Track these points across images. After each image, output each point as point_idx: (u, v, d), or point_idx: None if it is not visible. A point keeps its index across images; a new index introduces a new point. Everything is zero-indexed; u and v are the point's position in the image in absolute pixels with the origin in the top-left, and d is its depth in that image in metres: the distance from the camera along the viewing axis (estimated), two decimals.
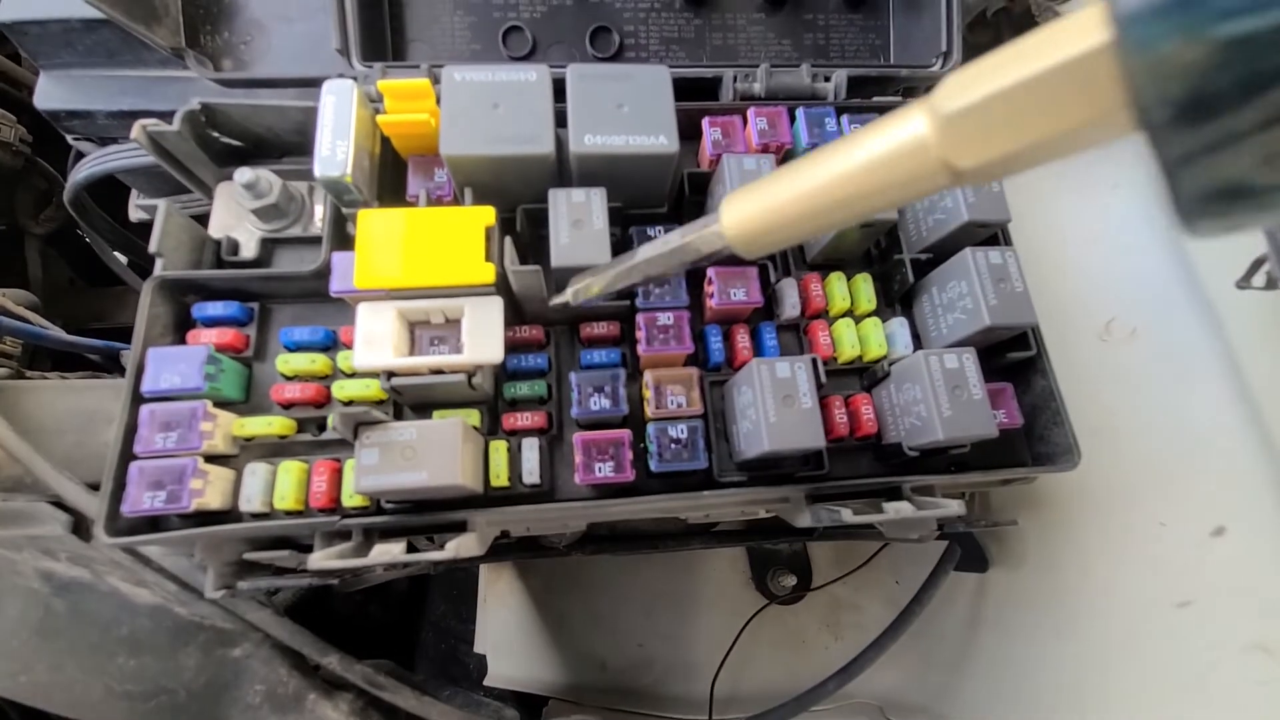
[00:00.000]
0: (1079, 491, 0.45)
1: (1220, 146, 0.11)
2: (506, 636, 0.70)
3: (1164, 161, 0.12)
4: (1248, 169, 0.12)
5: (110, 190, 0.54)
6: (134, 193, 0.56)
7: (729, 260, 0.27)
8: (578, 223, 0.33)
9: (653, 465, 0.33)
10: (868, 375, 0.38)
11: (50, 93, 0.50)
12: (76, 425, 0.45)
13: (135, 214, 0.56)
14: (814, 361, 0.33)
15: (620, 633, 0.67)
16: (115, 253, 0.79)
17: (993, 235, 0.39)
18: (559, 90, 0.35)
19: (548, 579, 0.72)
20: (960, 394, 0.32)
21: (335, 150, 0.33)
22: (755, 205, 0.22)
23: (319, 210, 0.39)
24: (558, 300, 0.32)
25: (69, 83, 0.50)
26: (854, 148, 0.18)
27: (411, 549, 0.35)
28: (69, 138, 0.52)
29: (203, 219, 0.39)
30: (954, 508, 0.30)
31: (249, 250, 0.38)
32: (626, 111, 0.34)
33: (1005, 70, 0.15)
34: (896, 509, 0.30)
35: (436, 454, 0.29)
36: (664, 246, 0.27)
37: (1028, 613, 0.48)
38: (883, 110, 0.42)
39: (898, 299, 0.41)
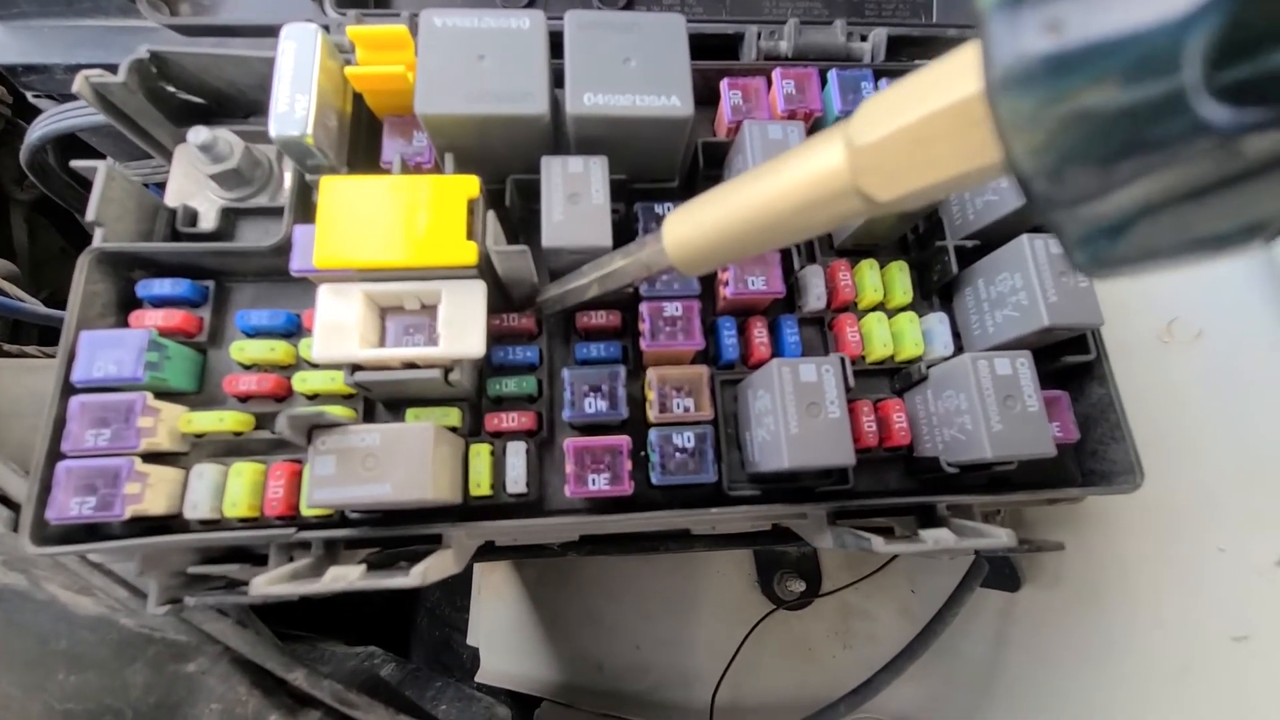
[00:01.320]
0: (1127, 508, 0.41)
1: (1086, 199, 0.11)
2: (500, 631, 0.67)
3: (1038, 207, 0.12)
4: (1119, 221, 0.11)
5: (89, 154, 0.50)
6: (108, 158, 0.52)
7: None
8: (574, 196, 0.29)
9: (654, 478, 0.29)
10: (900, 377, 0.34)
11: (6, 45, 0.46)
12: (32, 409, 0.41)
13: None
14: (843, 362, 0.29)
15: (617, 634, 0.64)
16: None
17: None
18: (556, 45, 0.30)
19: (543, 573, 0.69)
20: (1013, 405, 0.28)
21: (294, 106, 0.28)
22: (692, 226, 0.21)
23: (289, 177, 0.35)
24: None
25: (25, 34, 0.45)
26: (776, 171, 0.18)
27: (393, 548, 0.31)
28: (28, 95, 0.48)
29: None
30: (1003, 538, 0.26)
31: (208, 221, 0.34)
32: (634, 67, 0.29)
33: (906, 104, 0.14)
34: (936, 538, 0.26)
35: (403, 464, 0.25)
36: (610, 266, 0.26)
37: (1062, 636, 0.44)
38: None
39: (936, 291, 0.36)
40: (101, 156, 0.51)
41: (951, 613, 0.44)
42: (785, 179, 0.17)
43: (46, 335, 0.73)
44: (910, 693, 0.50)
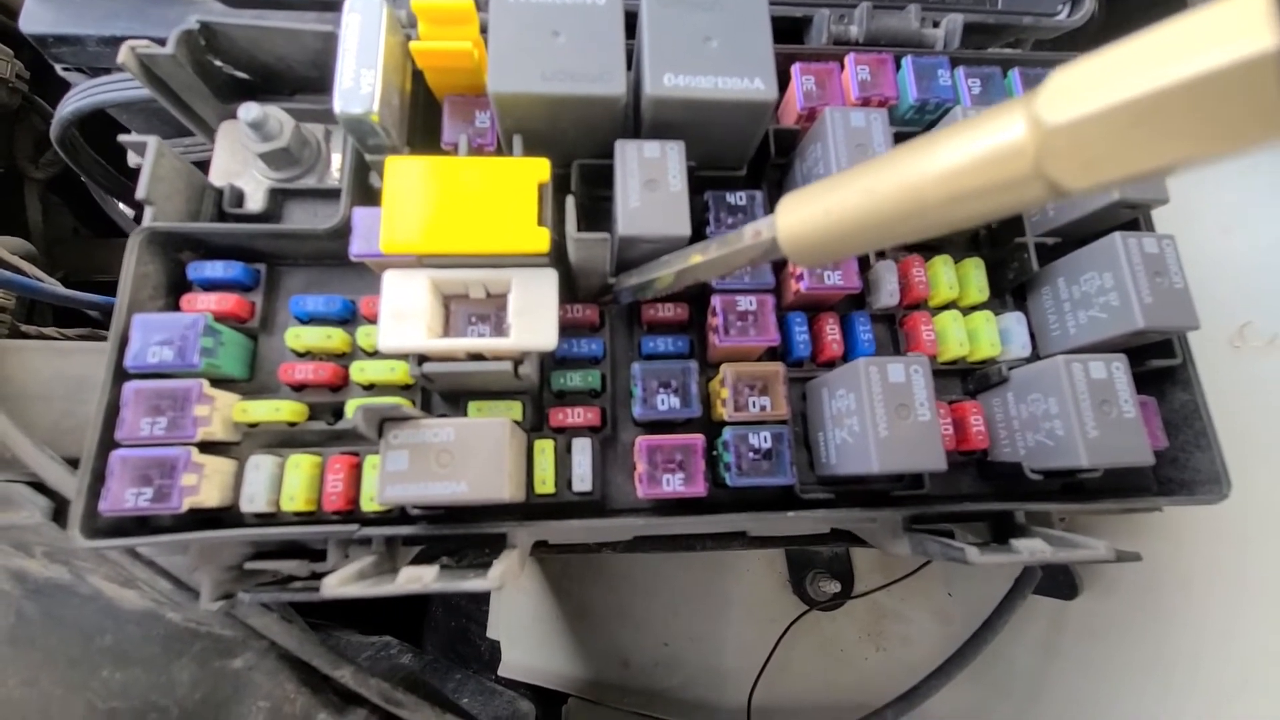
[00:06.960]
0: (1195, 518, 0.40)
1: None
2: (522, 623, 0.66)
3: None
4: None
5: (113, 131, 0.48)
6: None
7: None
8: (651, 183, 0.27)
9: (729, 480, 0.28)
10: (975, 378, 0.33)
11: (37, 15, 0.44)
12: (64, 393, 0.40)
13: (133, 159, 0.50)
14: (928, 364, 0.27)
15: (644, 629, 0.63)
16: (121, 204, 0.74)
17: (1134, 218, 0.33)
18: (629, 22, 0.28)
19: (567, 565, 0.68)
20: (1109, 411, 0.27)
21: (360, 82, 0.27)
22: (817, 210, 0.19)
23: (336, 158, 0.34)
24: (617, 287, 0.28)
25: (57, 3, 0.44)
26: (930, 152, 0.16)
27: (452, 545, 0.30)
28: (58, 68, 0.46)
29: (206, 165, 0.34)
30: (1100, 550, 0.25)
31: (255, 202, 0.32)
32: (715, 47, 0.28)
33: (1126, 73, 0.12)
34: (1031, 550, 0.25)
35: (479, 461, 0.23)
36: (703, 255, 0.25)
37: (1118, 646, 0.43)
38: (1005, 64, 0.35)
39: (1010, 289, 0.35)
40: (128, 132, 0.50)
41: (1002, 620, 0.43)
42: (942, 161, 0.15)
43: (62, 316, 0.71)
44: (954, 698, 0.49)
